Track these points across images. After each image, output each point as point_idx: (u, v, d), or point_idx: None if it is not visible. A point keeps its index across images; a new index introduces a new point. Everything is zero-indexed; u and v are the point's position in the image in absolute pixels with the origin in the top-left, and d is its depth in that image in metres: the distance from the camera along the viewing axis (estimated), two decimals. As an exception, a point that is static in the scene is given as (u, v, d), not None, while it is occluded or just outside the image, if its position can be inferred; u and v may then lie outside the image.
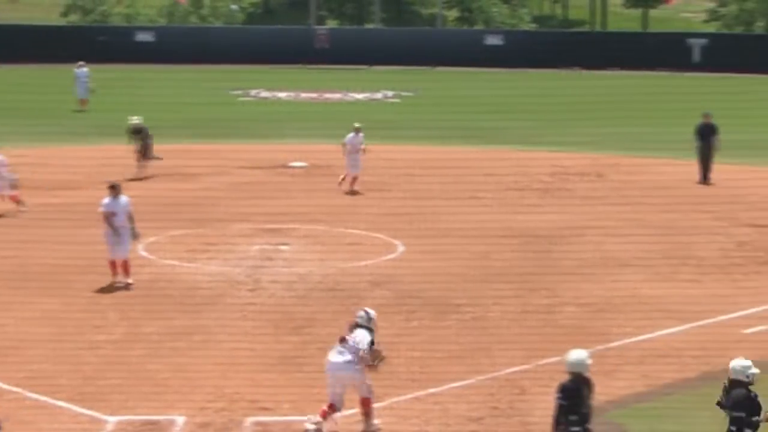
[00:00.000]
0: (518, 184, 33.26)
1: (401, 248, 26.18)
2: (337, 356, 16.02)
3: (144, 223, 27.39)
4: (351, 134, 33.18)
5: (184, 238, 26.68)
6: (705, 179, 34.54)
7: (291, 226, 27.81)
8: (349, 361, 15.96)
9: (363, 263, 24.86)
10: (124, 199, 23.07)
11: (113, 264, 22.88)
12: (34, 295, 21.95)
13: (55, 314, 20.96)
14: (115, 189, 23.15)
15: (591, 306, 21.82)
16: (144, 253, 25.30)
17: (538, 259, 25.23)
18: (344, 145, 33.03)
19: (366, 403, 16.10)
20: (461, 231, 26.36)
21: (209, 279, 23.47)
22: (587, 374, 14.04)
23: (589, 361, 14.08)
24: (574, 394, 13.79)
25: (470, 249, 25.67)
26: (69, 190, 32.40)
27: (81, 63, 50.99)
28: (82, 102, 49.93)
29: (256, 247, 25.94)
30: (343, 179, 32.75)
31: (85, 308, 21.37)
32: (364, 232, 27.53)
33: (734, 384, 13.64)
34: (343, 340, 16.09)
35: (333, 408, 16.05)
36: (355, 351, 15.98)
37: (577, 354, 14.06)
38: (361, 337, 16.08)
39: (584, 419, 13.86)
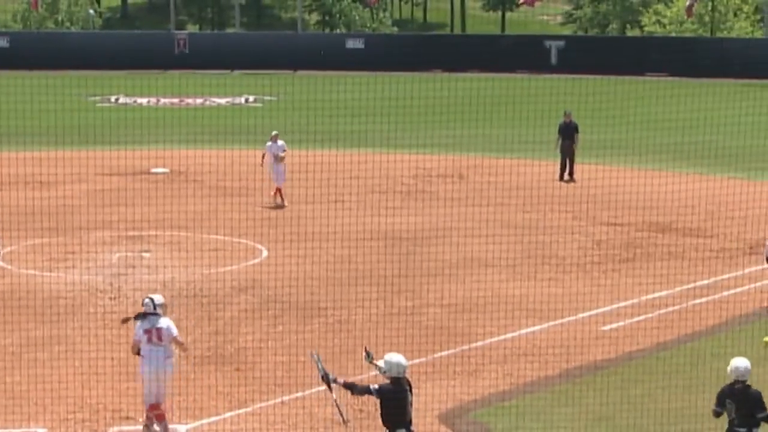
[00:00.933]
0: (381, 186, 33.44)
1: (265, 253, 26.12)
2: (156, 354, 15.89)
3: (1, 233, 26.88)
4: (269, 142, 32.33)
5: (43, 247, 26.20)
6: (571, 176, 35.64)
7: (153, 232, 27.54)
8: (168, 357, 15.94)
9: (227, 269, 24.73)
10: None
11: None
12: None
13: None
14: None
15: (454, 306, 22.05)
16: (1, 263, 24.81)
17: (402, 261, 25.41)
18: (264, 155, 32.22)
19: (158, 407, 16.00)
20: (325, 234, 26.40)
21: (69, 288, 23.11)
22: (407, 377, 13.79)
23: (407, 364, 13.83)
24: (398, 397, 13.58)
25: (334, 252, 25.74)
26: None
27: None
28: None
29: (118, 255, 25.63)
30: (276, 193, 31.90)
31: (-59, 321, 20.85)
32: (227, 238, 27.40)
33: (746, 386, 13.72)
34: (152, 337, 15.93)
35: (159, 407, 15.99)
36: (170, 341, 15.93)
37: (397, 357, 13.77)
38: (167, 323, 16.02)
39: (409, 423, 13.69)
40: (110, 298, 22.39)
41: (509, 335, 20.47)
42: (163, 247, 26.52)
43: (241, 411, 16.71)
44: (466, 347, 19.63)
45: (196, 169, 35.34)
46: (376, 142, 40.17)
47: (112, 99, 59.12)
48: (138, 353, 16.16)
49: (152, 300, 16.23)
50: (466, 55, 72.55)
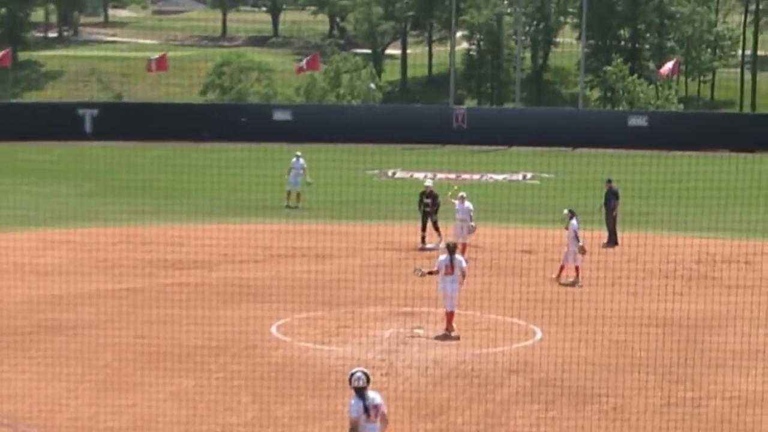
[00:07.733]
0: (662, 271, 32.86)
1: (539, 334, 26.02)
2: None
3: (277, 304, 27.78)
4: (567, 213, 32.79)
5: (317, 321, 26.89)
6: None
7: (425, 309, 27.85)
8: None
9: (499, 349, 24.75)
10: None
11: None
12: (167, 376, 22.32)
13: (187, 395, 21.27)
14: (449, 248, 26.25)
15: (739, 400, 21.34)
16: (277, 335, 25.59)
17: (683, 349, 24.80)
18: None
19: None
20: (601, 318, 26.09)
21: (341, 362, 23.58)
22: None
23: None
24: None
25: (611, 337, 25.39)
26: (201, 270, 33.00)
27: (298, 153, 48.68)
28: (295, 195, 47.47)
29: (390, 331, 26.01)
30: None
31: (217, 390, 21.65)
32: (500, 317, 27.44)
33: None
34: (371, 415, 15.88)
35: None
36: (382, 418, 15.94)
37: None
38: (380, 399, 15.99)
39: None
40: (382, 374, 22.69)
41: (798, 434, 19.66)
42: (435, 325, 26.77)
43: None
44: (750, 444, 18.97)
45: (470, 246, 35.63)
46: (657, 225, 39.59)
47: (389, 173, 60.42)
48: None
49: (365, 374, 16.05)
50: (756, 135, 70.86)
